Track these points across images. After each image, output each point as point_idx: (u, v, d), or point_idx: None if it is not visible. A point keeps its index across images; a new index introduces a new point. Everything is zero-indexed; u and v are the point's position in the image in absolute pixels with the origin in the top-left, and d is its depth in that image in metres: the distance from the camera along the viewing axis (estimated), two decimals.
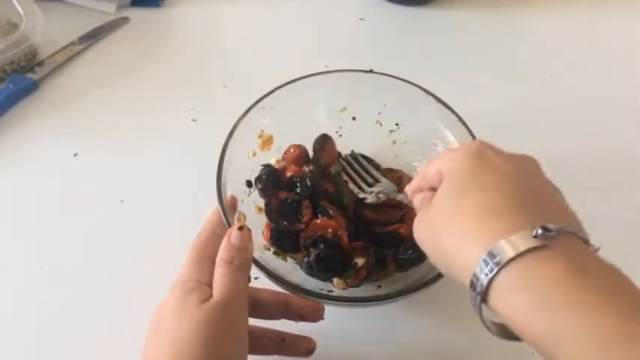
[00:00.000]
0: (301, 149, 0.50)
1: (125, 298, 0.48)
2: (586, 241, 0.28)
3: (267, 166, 0.49)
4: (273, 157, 0.51)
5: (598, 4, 0.75)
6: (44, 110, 0.62)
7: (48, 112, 0.62)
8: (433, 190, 0.34)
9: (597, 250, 0.28)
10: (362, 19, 0.73)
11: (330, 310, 0.42)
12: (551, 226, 0.26)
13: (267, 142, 0.50)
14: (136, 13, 0.73)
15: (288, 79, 0.49)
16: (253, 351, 0.37)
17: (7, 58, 0.62)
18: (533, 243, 0.25)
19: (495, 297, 0.26)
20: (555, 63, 0.68)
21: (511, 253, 0.25)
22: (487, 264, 0.26)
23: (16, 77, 0.63)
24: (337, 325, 0.46)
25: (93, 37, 0.69)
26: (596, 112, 0.63)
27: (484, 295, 0.26)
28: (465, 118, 0.47)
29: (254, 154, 0.49)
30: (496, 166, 0.31)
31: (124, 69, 0.67)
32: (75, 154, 0.58)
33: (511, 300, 0.26)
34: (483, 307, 0.27)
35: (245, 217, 0.45)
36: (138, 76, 0.66)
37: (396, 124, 0.52)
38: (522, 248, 0.25)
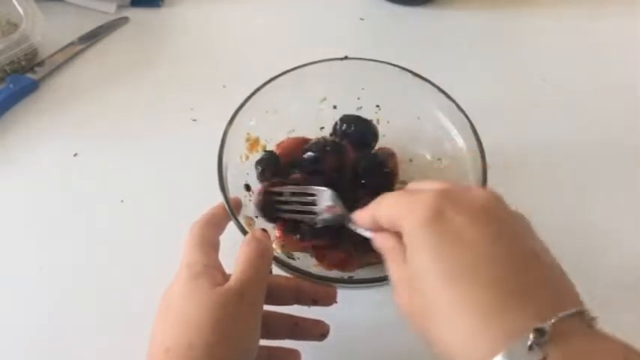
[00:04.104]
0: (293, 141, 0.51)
1: (125, 298, 0.48)
2: (582, 316, 0.26)
3: (269, 152, 0.49)
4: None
5: (598, 4, 0.74)
6: (44, 110, 0.62)
7: (48, 112, 0.62)
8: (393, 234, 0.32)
9: (594, 320, 0.26)
10: (362, 19, 0.73)
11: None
12: (544, 326, 0.24)
13: (254, 144, 0.50)
14: (136, 13, 0.73)
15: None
16: (266, 336, 0.37)
17: (7, 58, 0.62)
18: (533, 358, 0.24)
19: None
20: (555, 63, 0.68)
21: None
22: None
23: (16, 77, 0.63)
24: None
25: (93, 37, 0.69)
26: (596, 113, 0.63)
27: None
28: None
29: (246, 158, 0.49)
30: (459, 234, 0.28)
31: (124, 69, 0.67)
32: (75, 154, 0.58)
33: None
34: None
35: (254, 221, 0.45)
36: (138, 76, 0.66)
37: (377, 106, 0.53)
38: None
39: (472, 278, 0.27)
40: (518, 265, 0.27)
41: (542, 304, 0.26)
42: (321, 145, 0.48)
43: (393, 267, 0.32)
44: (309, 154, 0.48)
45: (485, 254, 0.27)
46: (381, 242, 0.34)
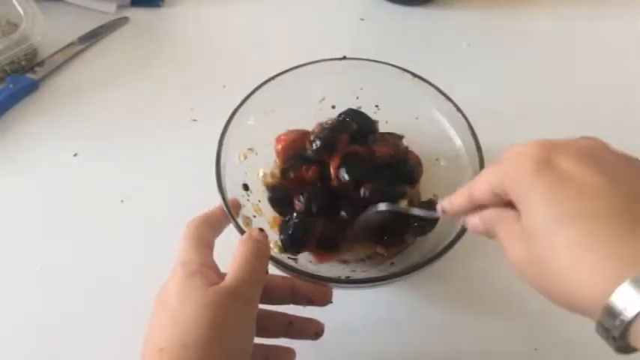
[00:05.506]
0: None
1: (125, 298, 0.48)
2: None
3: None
4: (261, 170, 0.51)
5: (598, 4, 0.74)
6: (44, 110, 0.62)
7: (48, 112, 0.62)
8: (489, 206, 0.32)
9: None
10: (362, 19, 0.73)
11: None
12: None
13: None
14: (136, 13, 0.73)
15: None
16: (261, 335, 0.37)
17: (7, 58, 0.62)
18: None
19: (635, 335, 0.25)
20: (555, 63, 0.68)
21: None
22: (617, 314, 0.25)
23: (16, 77, 0.63)
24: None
25: (93, 37, 0.69)
26: (595, 113, 0.63)
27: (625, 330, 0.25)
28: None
29: (245, 157, 0.49)
30: (569, 178, 0.28)
31: (124, 69, 0.67)
32: (75, 154, 0.58)
33: None
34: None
35: (251, 221, 0.45)
36: (138, 76, 0.66)
37: (376, 106, 0.53)
38: None
39: (588, 216, 0.27)
40: (631, 200, 0.27)
41: None
42: (328, 129, 0.48)
43: (502, 229, 0.32)
44: (318, 142, 0.48)
45: (598, 193, 0.28)
46: (484, 217, 0.33)
